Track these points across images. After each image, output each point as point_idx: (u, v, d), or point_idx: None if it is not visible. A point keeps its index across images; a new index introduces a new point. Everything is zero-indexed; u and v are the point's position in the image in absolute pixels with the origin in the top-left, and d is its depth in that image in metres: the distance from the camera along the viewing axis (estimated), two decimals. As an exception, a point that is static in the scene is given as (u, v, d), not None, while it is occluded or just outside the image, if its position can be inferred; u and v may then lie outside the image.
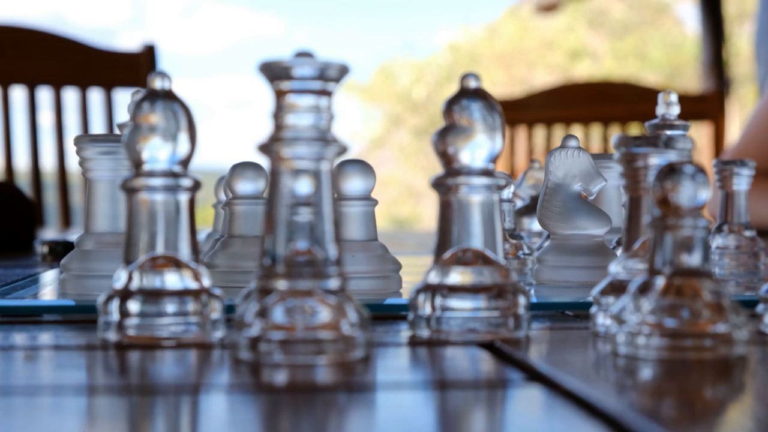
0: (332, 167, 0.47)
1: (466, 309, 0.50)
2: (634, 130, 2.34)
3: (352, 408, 0.38)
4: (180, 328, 0.48)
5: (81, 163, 0.66)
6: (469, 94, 0.51)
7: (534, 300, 0.62)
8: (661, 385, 0.42)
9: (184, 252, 0.49)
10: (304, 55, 0.46)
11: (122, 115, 1.88)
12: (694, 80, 6.15)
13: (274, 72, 0.46)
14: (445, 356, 0.48)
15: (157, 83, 0.49)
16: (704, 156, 2.30)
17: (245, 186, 0.69)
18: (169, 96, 0.49)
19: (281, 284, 0.45)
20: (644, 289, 0.46)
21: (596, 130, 2.35)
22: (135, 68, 1.95)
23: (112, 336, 0.49)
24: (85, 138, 0.65)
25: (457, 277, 0.51)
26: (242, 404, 0.38)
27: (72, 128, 1.96)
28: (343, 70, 0.46)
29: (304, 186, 0.46)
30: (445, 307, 0.50)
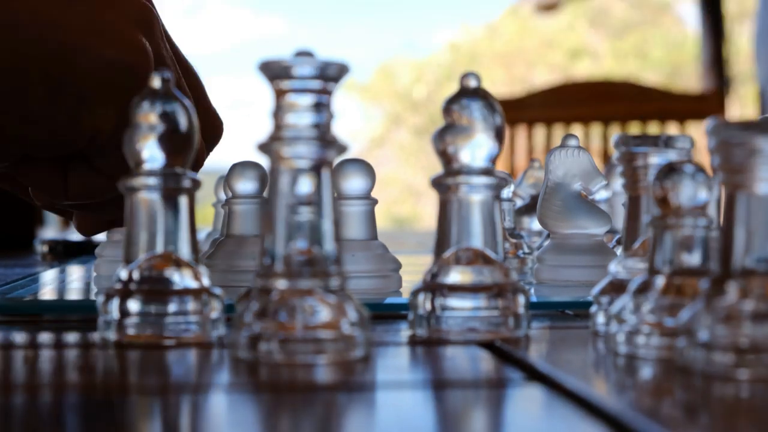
0: (332, 167, 0.47)
1: (466, 308, 0.50)
2: (634, 129, 2.34)
3: (352, 408, 0.38)
4: (180, 327, 0.48)
5: None
6: (469, 93, 0.51)
7: (534, 299, 0.62)
8: (661, 385, 0.42)
9: (184, 251, 0.49)
10: (304, 54, 0.46)
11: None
12: (694, 79, 6.15)
13: (274, 71, 0.46)
14: (444, 356, 0.48)
15: (157, 83, 0.49)
16: (704, 155, 2.30)
17: (245, 185, 0.69)
18: (169, 96, 0.49)
19: (281, 283, 0.45)
20: (644, 288, 0.46)
21: (596, 129, 2.35)
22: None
23: (111, 335, 0.49)
24: None
25: (456, 276, 0.51)
26: (242, 404, 0.38)
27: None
28: (343, 70, 0.46)
29: (303, 185, 0.46)
30: (444, 306, 0.50)
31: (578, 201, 0.72)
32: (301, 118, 0.46)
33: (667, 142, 0.51)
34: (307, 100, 0.46)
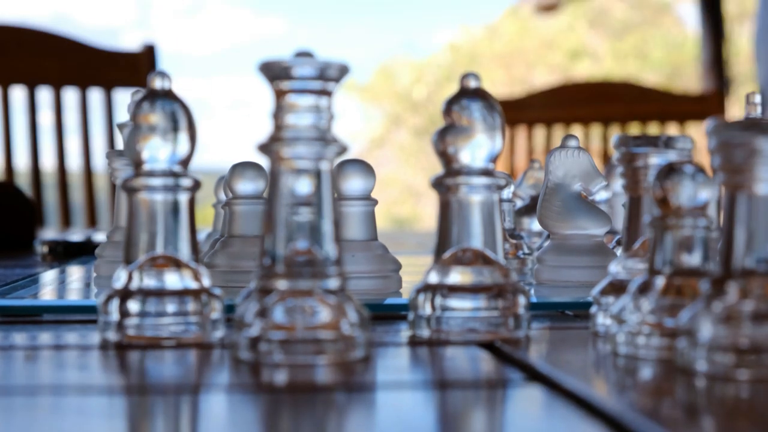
0: (332, 167, 0.47)
1: (466, 309, 0.50)
2: (634, 130, 2.34)
3: (352, 408, 0.38)
4: (180, 327, 0.48)
5: (111, 172, 0.77)
6: (469, 93, 0.51)
7: (534, 300, 0.62)
8: (661, 385, 0.42)
9: (184, 252, 0.49)
10: (304, 54, 0.46)
11: (122, 115, 1.88)
12: (694, 80, 6.15)
13: (274, 72, 0.46)
14: (445, 356, 0.48)
15: (157, 83, 0.49)
16: (704, 156, 2.30)
17: (245, 186, 0.69)
18: (169, 96, 0.49)
19: (281, 284, 0.45)
20: (644, 288, 0.46)
21: (596, 130, 2.35)
22: (135, 68, 1.95)
23: (112, 336, 0.49)
24: (114, 153, 0.77)
25: (457, 276, 0.51)
26: (242, 404, 0.38)
27: (72, 128, 1.96)
28: (343, 70, 0.46)
29: (304, 186, 0.46)
30: (445, 306, 0.50)
31: (578, 202, 0.72)
32: (301, 119, 0.46)
33: (667, 142, 0.51)
34: (307, 100, 0.46)
